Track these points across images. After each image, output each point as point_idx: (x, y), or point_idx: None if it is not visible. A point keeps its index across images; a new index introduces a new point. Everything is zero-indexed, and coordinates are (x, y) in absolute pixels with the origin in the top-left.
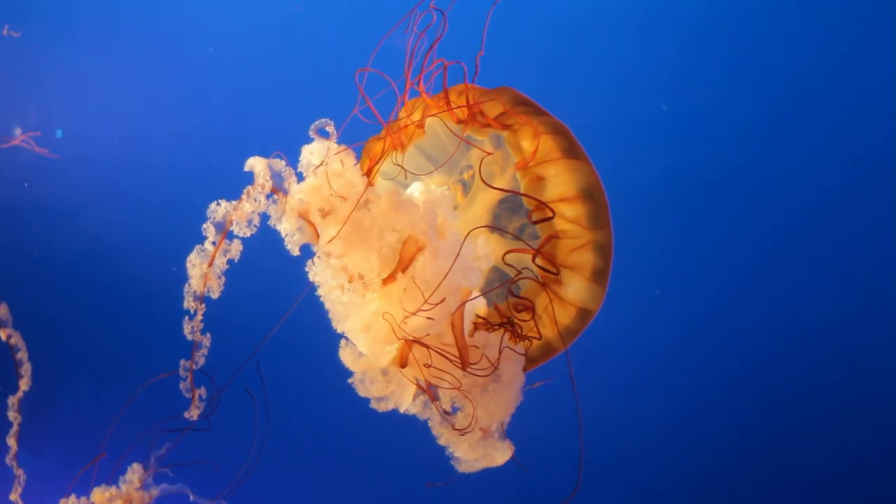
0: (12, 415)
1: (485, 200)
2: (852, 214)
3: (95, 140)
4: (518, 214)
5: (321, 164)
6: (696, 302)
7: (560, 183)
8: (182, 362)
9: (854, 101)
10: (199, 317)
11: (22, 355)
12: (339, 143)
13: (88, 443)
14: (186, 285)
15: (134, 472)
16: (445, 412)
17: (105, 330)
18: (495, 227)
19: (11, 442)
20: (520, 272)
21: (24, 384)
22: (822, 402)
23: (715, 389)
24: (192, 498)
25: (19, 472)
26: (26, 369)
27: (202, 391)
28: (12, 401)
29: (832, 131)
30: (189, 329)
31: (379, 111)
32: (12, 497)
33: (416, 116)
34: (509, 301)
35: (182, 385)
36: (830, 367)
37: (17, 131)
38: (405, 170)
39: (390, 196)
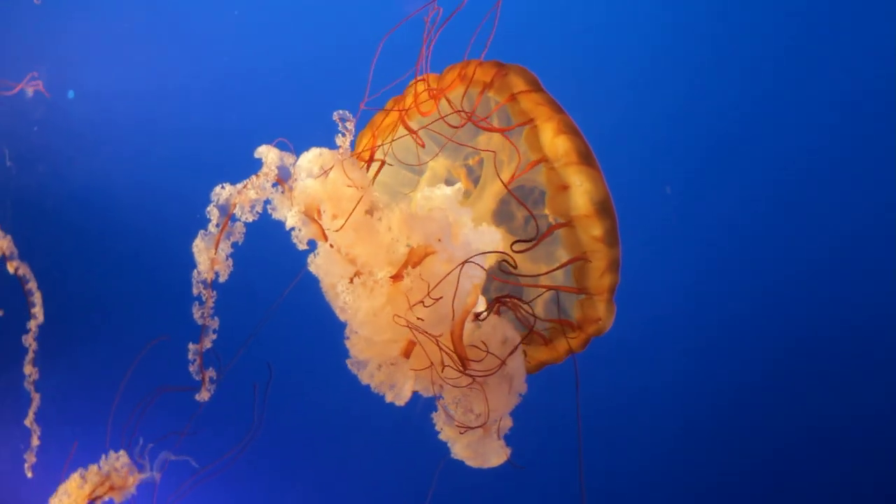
0: (28, 340)
1: (494, 192)
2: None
3: (107, 101)
4: (527, 203)
5: (329, 160)
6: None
7: (583, 194)
8: (190, 346)
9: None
10: (210, 303)
11: (31, 285)
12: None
13: (94, 388)
14: (195, 271)
15: (118, 459)
16: (447, 408)
17: (116, 280)
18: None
19: (28, 369)
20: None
21: (36, 312)
22: (829, 356)
23: (712, 376)
24: (172, 458)
25: (36, 396)
26: (37, 298)
27: (212, 373)
28: (31, 324)
29: (826, 83)
30: (199, 315)
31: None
32: (26, 422)
33: (422, 95)
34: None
35: (191, 368)
36: (836, 324)
37: (30, 91)
38: (396, 159)
39: (403, 213)
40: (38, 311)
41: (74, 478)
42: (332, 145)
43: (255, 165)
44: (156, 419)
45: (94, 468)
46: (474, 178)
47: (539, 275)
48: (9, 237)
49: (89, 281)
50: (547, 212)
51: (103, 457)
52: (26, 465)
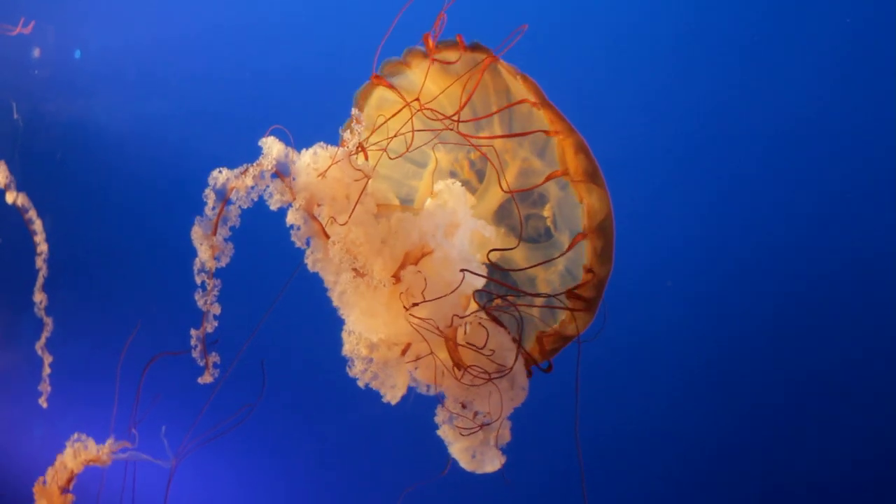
0: (39, 263)
1: (496, 192)
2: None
3: (114, 61)
4: (525, 203)
5: (328, 161)
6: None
7: (585, 214)
8: (193, 331)
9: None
10: (213, 291)
11: (31, 214)
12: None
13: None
14: (196, 260)
15: (85, 446)
16: (451, 408)
17: (122, 232)
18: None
19: (39, 296)
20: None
21: (39, 241)
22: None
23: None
24: (163, 432)
25: (48, 320)
26: (38, 226)
27: (215, 357)
28: (40, 250)
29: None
30: (203, 302)
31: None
32: (37, 347)
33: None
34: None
35: (194, 353)
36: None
37: (36, 52)
38: (398, 152)
39: (401, 212)
40: (40, 239)
41: (48, 480)
42: (336, 122)
43: (259, 124)
44: (157, 382)
45: (59, 458)
46: (476, 170)
47: (533, 285)
48: (3, 163)
49: (97, 232)
50: (545, 213)
51: (72, 437)
52: (41, 399)
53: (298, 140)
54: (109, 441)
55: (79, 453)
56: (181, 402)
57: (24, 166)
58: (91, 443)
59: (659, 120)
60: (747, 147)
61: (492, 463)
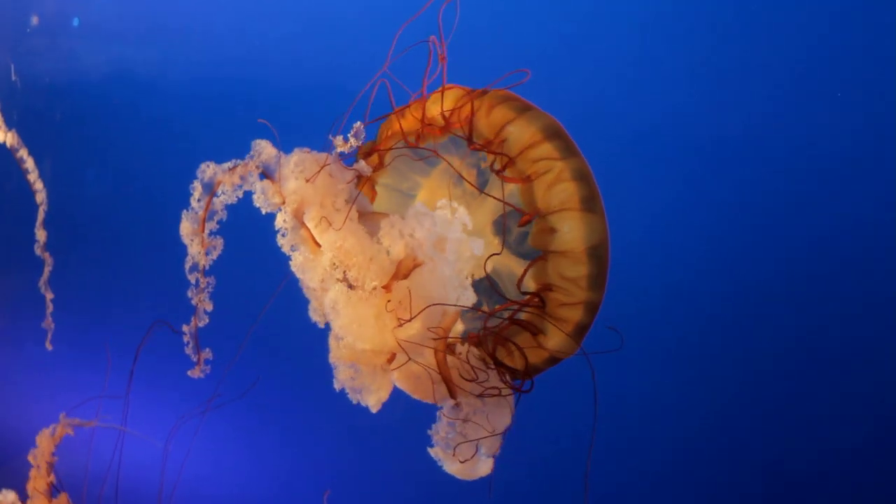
0: (39, 199)
1: (492, 206)
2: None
3: (113, 31)
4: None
5: (315, 165)
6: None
7: (570, 240)
8: (185, 327)
9: None
10: (204, 287)
11: (22, 153)
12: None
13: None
14: (188, 257)
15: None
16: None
17: (122, 192)
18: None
19: (41, 234)
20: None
21: (33, 178)
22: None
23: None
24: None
25: (50, 259)
26: (30, 165)
27: (208, 353)
28: (37, 188)
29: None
30: (196, 299)
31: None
32: (40, 284)
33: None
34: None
35: (187, 350)
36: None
37: (34, 19)
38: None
39: (390, 219)
40: (33, 177)
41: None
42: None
43: (260, 97)
44: (156, 353)
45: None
46: (483, 181)
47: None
48: None
49: (96, 191)
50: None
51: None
52: (46, 341)
53: (296, 128)
54: (62, 416)
55: (40, 455)
56: (173, 369)
57: (21, 126)
58: (45, 433)
59: (657, 123)
60: (748, 150)
61: (484, 470)
